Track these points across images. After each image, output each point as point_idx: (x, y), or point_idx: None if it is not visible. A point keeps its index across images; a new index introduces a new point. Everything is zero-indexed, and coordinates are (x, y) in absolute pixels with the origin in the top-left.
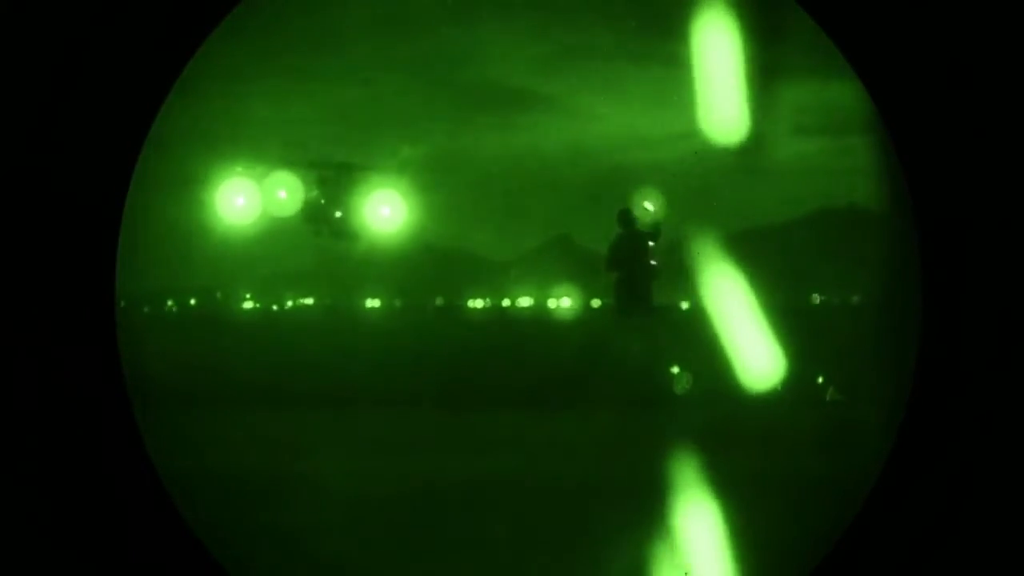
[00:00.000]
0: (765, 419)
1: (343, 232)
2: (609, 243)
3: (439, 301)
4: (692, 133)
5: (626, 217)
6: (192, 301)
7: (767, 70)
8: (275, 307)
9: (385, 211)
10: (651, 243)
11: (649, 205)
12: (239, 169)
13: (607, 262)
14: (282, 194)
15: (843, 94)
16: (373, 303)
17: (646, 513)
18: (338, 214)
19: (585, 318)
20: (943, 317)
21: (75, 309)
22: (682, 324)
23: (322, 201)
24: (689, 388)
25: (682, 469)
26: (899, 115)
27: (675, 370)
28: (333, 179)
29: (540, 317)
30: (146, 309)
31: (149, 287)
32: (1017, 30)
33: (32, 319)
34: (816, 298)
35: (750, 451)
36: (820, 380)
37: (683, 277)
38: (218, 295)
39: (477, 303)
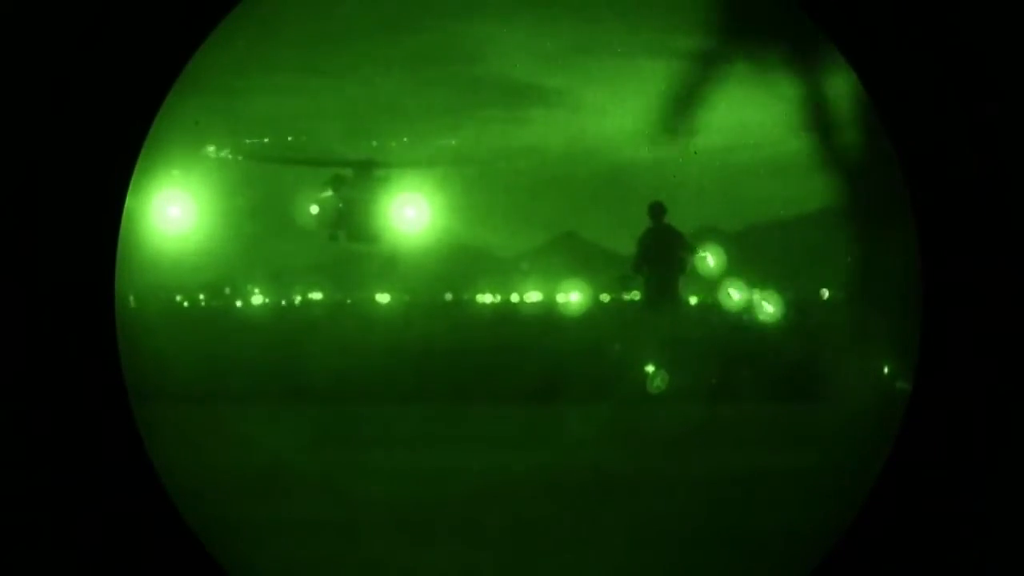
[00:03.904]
0: (767, 417)
1: (362, 235)
2: (638, 238)
3: (448, 296)
4: (695, 130)
5: (657, 211)
6: (200, 297)
7: (768, 68)
8: (283, 303)
9: (410, 212)
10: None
11: (734, 293)
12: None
13: (637, 257)
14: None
15: (843, 92)
16: (383, 298)
17: (647, 511)
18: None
19: (594, 313)
20: (943, 315)
21: (75, 308)
22: (686, 321)
23: (340, 204)
24: (664, 387)
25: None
26: (899, 114)
27: (650, 368)
28: (350, 179)
29: (549, 312)
30: (147, 307)
31: (149, 286)
32: (1016, 28)
33: (32, 318)
34: (824, 293)
35: (751, 448)
36: (886, 368)
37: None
38: (227, 290)
39: (486, 298)
